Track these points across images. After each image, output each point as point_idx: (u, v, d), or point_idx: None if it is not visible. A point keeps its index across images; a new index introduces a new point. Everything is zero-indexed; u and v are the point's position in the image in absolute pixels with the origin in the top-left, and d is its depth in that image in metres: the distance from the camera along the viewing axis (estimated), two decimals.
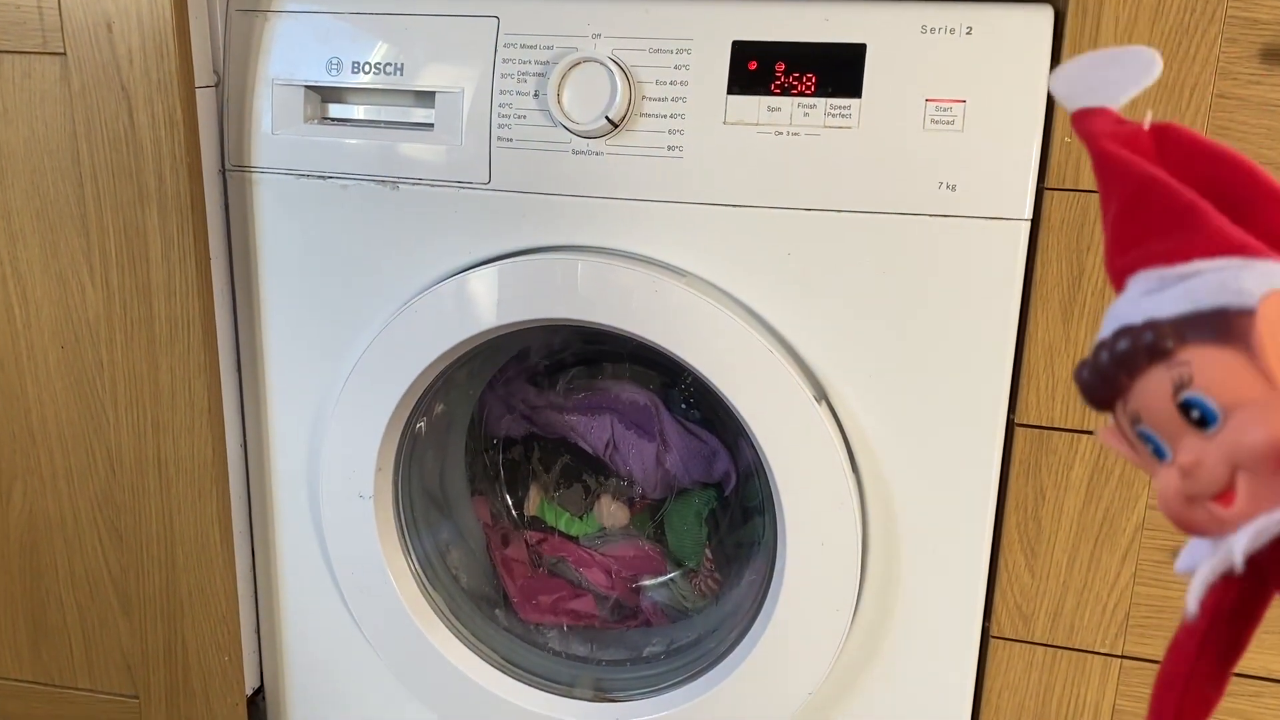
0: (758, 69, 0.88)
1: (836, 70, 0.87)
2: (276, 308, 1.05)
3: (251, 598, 1.17)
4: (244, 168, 1.02)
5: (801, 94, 0.88)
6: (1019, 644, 0.97)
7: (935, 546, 0.95)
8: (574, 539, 1.23)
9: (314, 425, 1.07)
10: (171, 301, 1.00)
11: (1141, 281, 0.42)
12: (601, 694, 1.08)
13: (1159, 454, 0.40)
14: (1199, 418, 0.38)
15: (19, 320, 1.04)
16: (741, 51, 0.89)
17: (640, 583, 1.21)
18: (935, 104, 0.85)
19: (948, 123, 0.86)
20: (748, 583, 1.09)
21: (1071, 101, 0.46)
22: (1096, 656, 0.96)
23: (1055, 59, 0.85)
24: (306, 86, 0.99)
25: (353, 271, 1.01)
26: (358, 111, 1.00)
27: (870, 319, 0.91)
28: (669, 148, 0.91)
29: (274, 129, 1.01)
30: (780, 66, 0.88)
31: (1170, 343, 0.39)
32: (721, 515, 1.19)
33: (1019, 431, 0.92)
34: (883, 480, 0.94)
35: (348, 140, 0.99)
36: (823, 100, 0.87)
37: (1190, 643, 0.44)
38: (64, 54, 0.95)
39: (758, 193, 0.90)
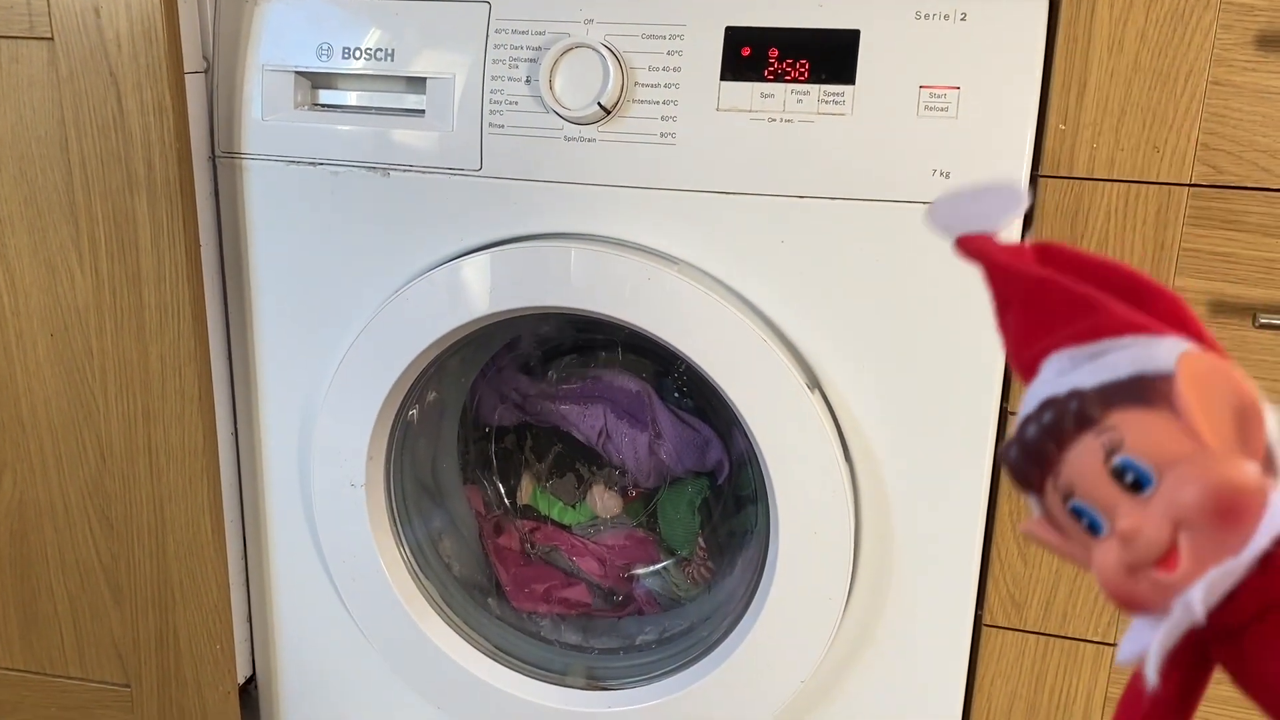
0: (751, 55, 0.88)
1: (830, 57, 0.86)
2: (267, 295, 1.05)
3: (243, 586, 1.17)
4: (234, 154, 1.02)
5: (795, 80, 0.87)
6: (1011, 632, 0.97)
7: (928, 535, 0.95)
8: (567, 528, 1.23)
9: (305, 413, 1.07)
10: (161, 289, 1.00)
11: (1054, 363, 0.42)
12: (594, 682, 1.08)
13: (1094, 529, 0.40)
14: (1133, 481, 0.38)
15: (8, 308, 1.03)
16: (734, 37, 0.88)
17: (633, 571, 1.21)
18: (929, 91, 0.85)
19: (942, 110, 0.85)
20: (740, 571, 1.09)
21: (950, 232, 0.47)
22: (1089, 644, 0.96)
23: (1050, 45, 0.84)
24: (297, 72, 0.99)
25: (344, 259, 1.01)
26: (348, 98, 0.99)
27: (863, 307, 0.90)
28: (661, 134, 0.90)
29: (264, 115, 1.00)
30: (773, 52, 0.87)
31: (1096, 410, 0.39)
32: (714, 504, 1.19)
33: (1012, 419, 0.92)
34: (875, 469, 0.94)
35: (338, 126, 0.98)
36: (816, 87, 0.87)
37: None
38: (51, 39, 0.94)
39: (751, 180, 0.89)
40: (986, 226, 0.47)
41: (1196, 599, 0.36)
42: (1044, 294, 0.44)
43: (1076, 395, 0.40)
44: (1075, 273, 0.44)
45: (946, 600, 0.96)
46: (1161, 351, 0.39)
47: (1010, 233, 0.46)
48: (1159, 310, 0.42)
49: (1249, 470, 0.37)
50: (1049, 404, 0.41)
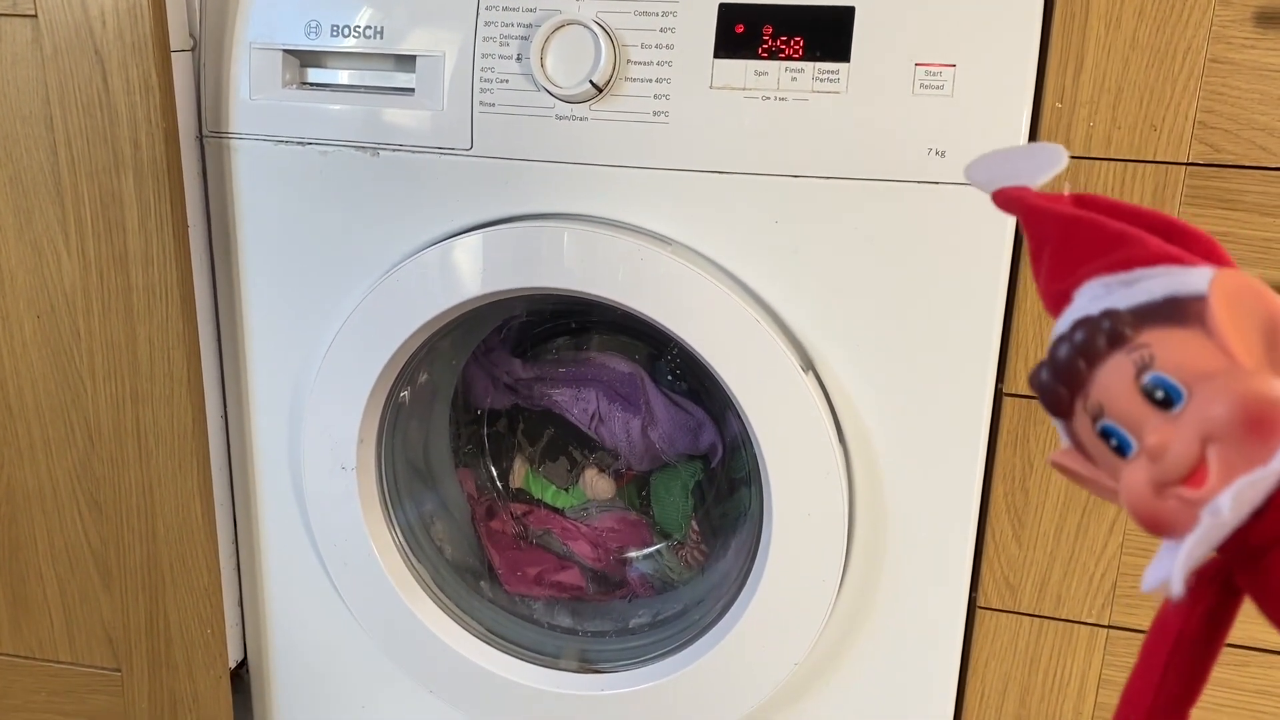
0: (745, 32, 0.87)
1: (824, 33, 0.85)
2: (256, 276, 1.04)
3: (234, 570, 1.16)
4: (221, 134, 1.01)
5: (789, 58, 0.86)
6: (1005, 614, 0.97)
7: (922, 517, 0.94)
8: (559, 511, 1.22)
9: (295, 396, 1.06)
10: (149, 270, 0.98)
11: (1089, 290, 0.43)
12: (586, 665, 1.08)
13: (1122, 450, 0.40)
14: (1163, 398, 0.38)
15: None
16: (728, 14, 0.87)
17: (626, 554, 1.20)
18: (925, 68, 0.84)
19: (937, 87, 0.84)
20: (734, 554, 1.09)
21: (989, 186, 0.48)
22: (1083, 627, 0.96)
23: (1047, 20, 0.83)
24: (285, 50, 0.97)
25: (333, 239, 1.00)
26: (337, 76, 0.98)
27: (858, 287, 0.90)
28: (654, 113, 0.89)
29: (252, 94, 0.99)
30: (768, 29, 0.86)
31: (1129, 328, 0.40)
32: (708, 487, 1.18)
33: (1007, 401, 0.92)
34: (869, 450, 0.94)
35: (327, 105, 0.97)
36: (811, 64, 0.86)
37: (1152, 673, 0.43)
38: (35, 16, 0.92)
39: (744, 159, 0.89)
40: (1025, 181, 0.47)
41: (1225, 504, 0.36)
42: (1080, 229, 0.44)
43: (1109, 315, 0.40)
44: (1113, 217, 0.44)
45: (940, 582, 0.96)
46: (1195, 277, 0.40)
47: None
48: (1196, 250, 0.42)
49: (1278, 384, 0.37)
50: (1081, 324, 0.41)
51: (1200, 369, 0.38)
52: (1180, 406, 0.38)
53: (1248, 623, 0.92)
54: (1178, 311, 0.39)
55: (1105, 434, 0.41)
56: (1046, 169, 0.47)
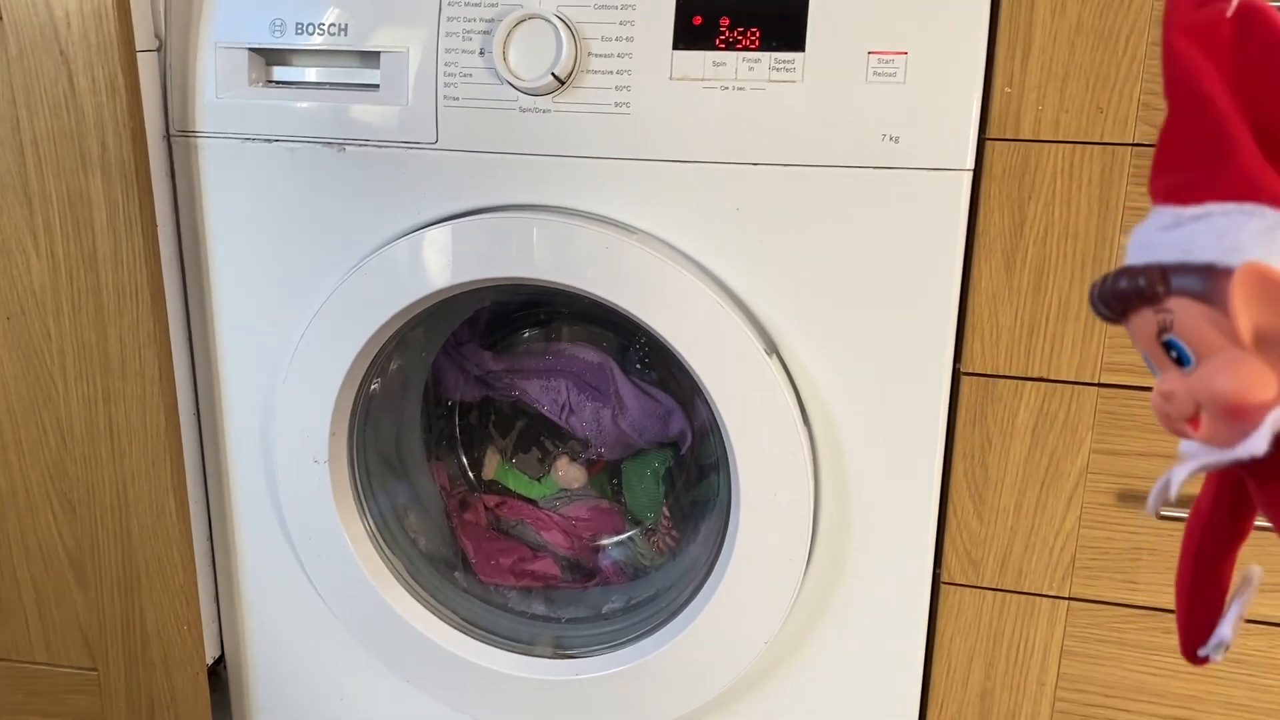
0: (703, 24, 0.89)
1: (780, 23, 0.87)
2: (226, 274, 1.04)
3: (210, 567, 1.17)
4: (188, 133, 1.01)
5: (746, 48, 0.88)
6: (969, 589, 0.99)
7: (886, 495, 0.97)
8: (532, 501, 1.24)
9: (267, 391, 1.07)
10: (119, 270, 0.99)
11: (1159, 217, 0.45)
12: (560, 651, 1.09)
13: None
14: (1176, 358, 0.44)
15: None
16: (686, 6, 0.89)
17: (599, 542, 1.22)
18: (877, 56, 0.86)
19: (890, 75, 0.87)
20: (704, 538, 1.11)
21: None
22: (1044, 599, 0.98)
23: (995, 7, 0.86)
24: (250, 49, 0.98)
25: (302, 235, 1.01)
26: (303, 74, 0.99)
27: (818, 271, 0.92)
28: (616, 104, 0.91)
29: (218, 93, 1.00)
30: (725, 21, 0.88)
31: (1161, 292, 0.43)
32: (678, 473, 1.20)
33: (965, 380, 0.94)
34: (833, 431, 0.96)
35: (293, 103, 0.98)
36: (767, 54, 0.88)
37: (1189, 548, 0.51)
38: (0, 18, 0.93)
39: (705, 148, 0.91)
40: None
41: (1261, 443, 0.41)
42: (1189, 115, 0.44)
43: (1146, 272, 0.44)
44: (1267, 61, 0.43)
45: (905, 559, 0.98)
46: (1247, 236, 0.42)
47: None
48: None
49: (1266, 385, 0.41)
50: (1127, 271, 0.45)
51: (1209, 346, 0.42)
52: (1190, 368, 0.43)
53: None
54: (1210, 283, 0.42)
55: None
56: None
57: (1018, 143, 0.88)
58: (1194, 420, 0.44)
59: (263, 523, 1.12)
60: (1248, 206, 0.42)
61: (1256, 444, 0.41)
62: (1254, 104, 0.43)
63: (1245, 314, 0.41)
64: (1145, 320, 0.45)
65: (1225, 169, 0.43)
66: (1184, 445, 0.45)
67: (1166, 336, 0.44)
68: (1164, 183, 0.46)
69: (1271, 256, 0.41)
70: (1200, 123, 0.44)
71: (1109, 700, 1.00)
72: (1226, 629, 0.46)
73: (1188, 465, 0.44)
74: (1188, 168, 0.45)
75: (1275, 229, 0.42)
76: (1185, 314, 0.43)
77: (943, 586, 1.00)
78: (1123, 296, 0.45)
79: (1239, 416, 0.42)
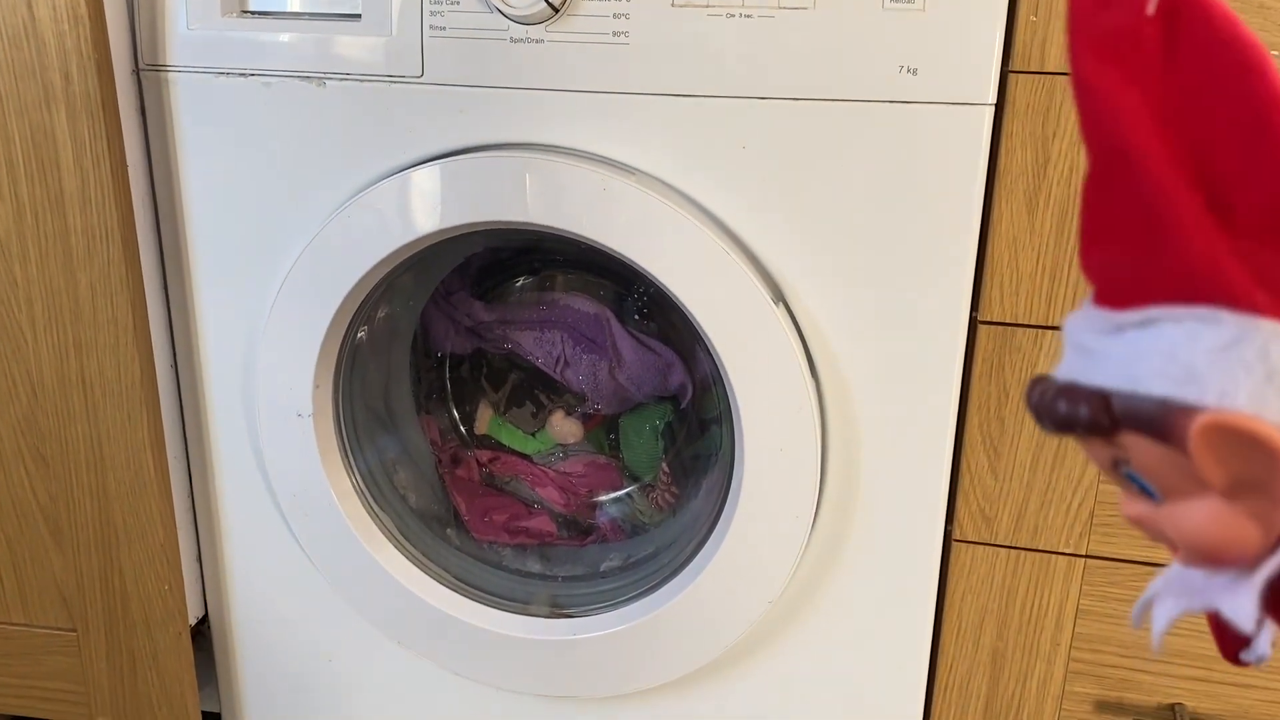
0: None
1: None
2: (201, 216, 0.99)
3: (191, 525, 1.13)
4: (158, 67, 0.95)
5: None
6: (982, 546, 0.96)
7: (896, 449, 0.92)
8: (527, 457, 1.19)
9: (248, 341, 1.02)
10: (87, 212, 0.94)
11: (1094, 318, 0.37)
12: (558, 610, 1.05)
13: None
14: (1139, 489, 0.38)
15: None
16: None
17: (596, 499, 1.18)
18: None
19: (908, 2, 0.81)
20: (705, 495, 1.06)
21: None
22: (1060, 557, 0.94)
23: None
24: None
25: (281, 176, 0.95)
26: (280, 3, 0.93)
27: (828, 214, 0.87)
28: (614, 33, 0.85)
29: (189, 24, 0.94)
30: None
31: (1105, 424, 0.36)
32: (678, 428, 1.15)
33: (982, 329, 0.89)
34: (842, 383, 0.91)
35: (270, 35, 0.92)
36: None
37: None
38: None
39: (710, 81, 0.85)
40: None
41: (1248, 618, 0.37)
42: (1116, 170, 0.34)
43: (1088, 401, 0.36)
44: (1207, 74, 0.33)
45: (915, 516, 0.94)
46: (1201, 356, 0.33)
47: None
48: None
49: (1244, 538, 0.35)
50: (1066, 392, 0.36)
51: (1174, 487, 0.36)
52: (1157, 501, 0.37)
53: None
54: (1166, 418, 0.34)
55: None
56: None
57: (1042, 75, 0.82)
58: (1173, 548, 0.38)
59: (246, 478, 1.08)
60: (1201, 311, 0.33)
61: (1243, 615, 0.35)
62: (1196, 142, 0.33)
63: (1215, 469, 0.34)
64: (1097, 447, 0.37)
65: (1167, 253, 0.34)
66: (1160, 581, 0.39)
67: (1124, 469, 0.37)
68: (1097, 261, 0.37)
69: (1235, 384, 0.32)
70: (1128, 186, 0.34)
71: (1125, 660, 0.96)
72: (1264, 646, 0.39)
73: (1168, 609, 0.38)
74: (1121, 242, 0.35)
75: (1237, 344, 0.33)
76: (1141, 453, 0.35)
77: (954, 544, 0.96)
78: (1061, 424, 0.37)
79: (1219, 564, 0.36)
